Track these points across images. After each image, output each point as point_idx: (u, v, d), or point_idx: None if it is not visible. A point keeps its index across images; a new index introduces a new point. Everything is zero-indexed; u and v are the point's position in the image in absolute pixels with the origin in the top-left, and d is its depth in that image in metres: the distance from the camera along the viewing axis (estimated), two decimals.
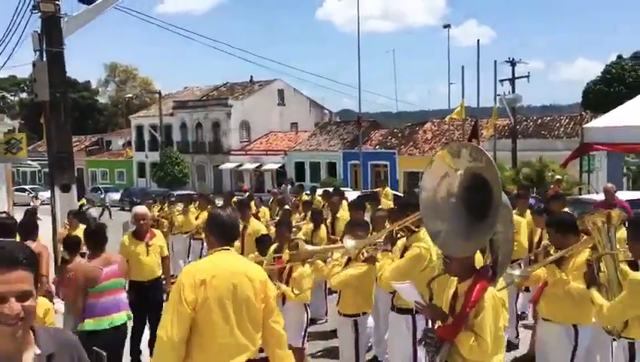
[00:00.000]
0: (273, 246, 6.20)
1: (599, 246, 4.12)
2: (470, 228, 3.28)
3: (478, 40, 33.52)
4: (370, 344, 7.07)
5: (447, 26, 36.30)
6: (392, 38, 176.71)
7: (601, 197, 9.99)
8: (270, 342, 3.49)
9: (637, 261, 3.81)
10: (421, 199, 3.53)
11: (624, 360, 3.85)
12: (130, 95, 67.23)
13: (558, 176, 19.07)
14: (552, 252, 4.66)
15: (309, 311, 5.74)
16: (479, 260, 3.56)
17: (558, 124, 32.76)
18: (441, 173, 3.46)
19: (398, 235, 4.69)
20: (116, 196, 37.92)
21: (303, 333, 5.61)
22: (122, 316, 5.06)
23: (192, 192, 28.64)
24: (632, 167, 28.75)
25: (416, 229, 4.46)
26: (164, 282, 7.06)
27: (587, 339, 4.47)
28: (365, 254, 4.97)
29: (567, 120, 32.93)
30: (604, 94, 44.47)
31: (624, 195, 10.29)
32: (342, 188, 17.01)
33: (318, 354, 7.07)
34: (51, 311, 4.39)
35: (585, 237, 4.46)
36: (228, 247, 3.44)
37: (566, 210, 8.30)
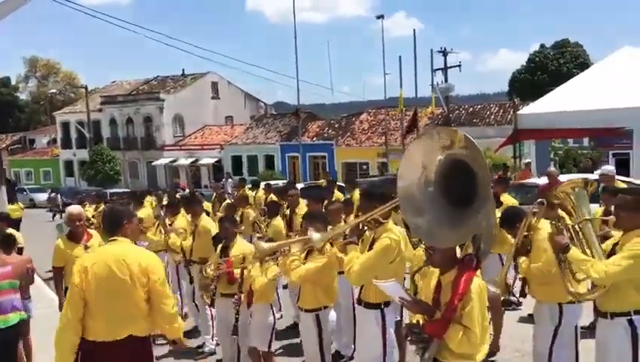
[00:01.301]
0: (220, 246, 5.96)
1: (574, 213, 4.14)
2: (455, 217, 3.16)
3: (414, 29, 34.16)
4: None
5: (380, 17, 36.38)
6: (324, 29, 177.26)
7: (542, 180, 10.28)
8: (158, 321, 3.93)
9: None
10: (399, 189, 3.39)
11: (628, 343, 3.84)
12: (53, 90, 64.09)
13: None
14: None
15: (275, 312, 5.52)
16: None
17: (488, 112, 33.79)
18: (418, 161, 3.33)
19: (365, 227, 4.52)
20: (43, 197, 36.08)
21: (269, 336, 5.37)
22: (16, 316, 5.28)
23: (127, 190, 27.69)
24: (559, 152, 30.03)
25: (384, 221, 4.33)
26: None
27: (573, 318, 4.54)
28: (328, 247, 4.81)
29: (497, 108, 34.02)
30: (529, 83, 46.26)
31: (564, 178, 10.62)
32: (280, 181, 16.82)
33: (279, 351, 6.87)
34: None
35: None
36: (115, 238, 3.94)
37: (507, 194, 8.48)
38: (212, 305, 5.67)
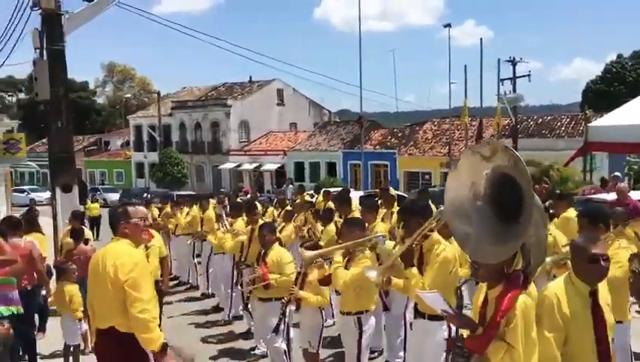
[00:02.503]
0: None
1: None
2: (500, 232, 3.10)
3: (481, 39, 33.80)
4: (381, 348, 6.94)
5: (447, 26, 35.97)
6: (391, 38, 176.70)
7: (611, 196, 9.84)
8: (131, 325, 3.92)
9: None
10: (446, 201, 3.36)
11: None
12: (128, 95, 67.03)
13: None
14: None
15: (324, 315, 5.58)
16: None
17: (559, 124, 32.64)
18: (466, 173, 3.29)
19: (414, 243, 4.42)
20: (115, 197, 37.69)
21: (318, 338, 5.45)
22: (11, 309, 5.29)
23: (192, 193, 28.53)
24: (634, 167, 28.62)
25: (429, 233, 4.26)
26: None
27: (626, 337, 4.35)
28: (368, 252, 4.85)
29: (567, 119, 32.81)
30: (604, 93, 44.41)
31: (635, 195, 10.13)
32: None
33: (328, 359, 6.90)
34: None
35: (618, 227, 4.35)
36: (115, 237, 4.19)
37: (572, 210, 8.16)
38: (279, 322, 5.72)
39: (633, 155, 29.14)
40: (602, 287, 3.28)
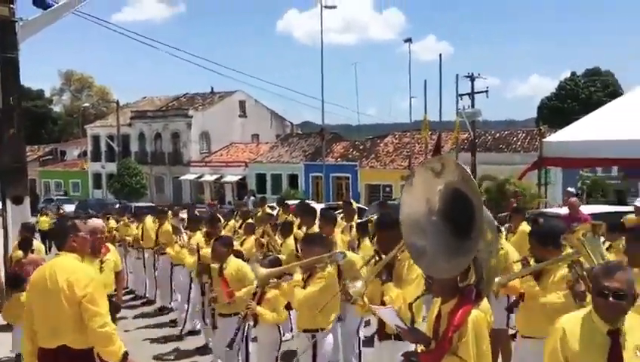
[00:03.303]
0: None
1: (588, 258, 4.06)
2: (453, 247, 3.14)
3: (440, 54, 34.26)
4: None
5: (408, 40, 36.63)
6: (353, 51, 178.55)
7: (564, 211, 10.11)
8: (90, 338, 3.94)
9: None
10: (402, 216, 3.38)
11: None
12: (86, 104, 65.61)
13: (516, 189, 19.40)
14: (531, 263, 4.59)
15: (282, 331, 5.52)
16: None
17: (515, 138, 33.50)
18: (421, 189, 3.32)
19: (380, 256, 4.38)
20: (71, 208, 36.69)
21: (276, 354, 5.38)
22: None
23: (151, 204, 28.06)
24: (587, 181, 29.60)
25: (404, 248, 4.22)
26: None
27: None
28: (329, 269, 4.81)
29: (523, 134, 33.71)
30: (558, 110, 45.80)
31: (585, 210, 10.44)
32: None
33: None
34: None
35: (568, 250, 4.41)
36: (60, 252, 4.10)
37: (525, 223, 8.37)
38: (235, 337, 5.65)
39: (586, 170, 30.18)
40: (631, 329, 2.80)
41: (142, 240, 11.13)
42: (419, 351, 3.32)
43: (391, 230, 4.11)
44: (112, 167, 45.92)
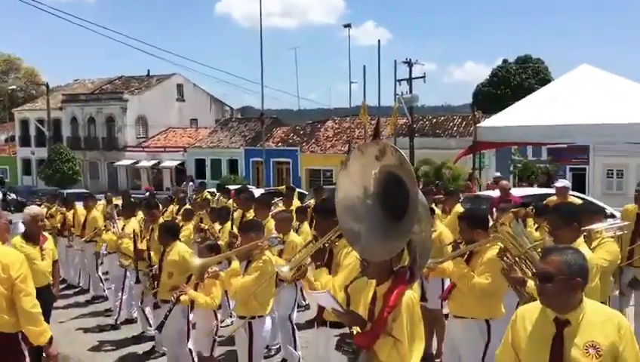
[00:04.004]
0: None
1: (519, 246, 4.19)
2: (388, 230, 3.18)
3: (379, 40, 34.39)
4: (278, 345, 6.96)
5: (347, 26, 36.77)
6: (293, 35, 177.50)
7: (495, 193, 10.47)
8: (20, 320, 4.09)
9: None
10: (337, 202, 3.39)
11: None
12: (13, 87, 62.38)
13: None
14: (462, 246, 4.73)
15: (218, 317, 5.48)
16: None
17: (451, 124, 34.32)
18: (356, 173, 3.35)
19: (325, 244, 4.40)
20: None
21: (212, 340, 5.34)
22: None
23: (85, 191, 27.09)
24: (518, 165, 30.78)
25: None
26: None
27: (500, 333, 4.56)
28: (267, 256, 4.79)
29: (459, 120, 34.58)
30: (492, 96, 47.23)
31: (516, 192, 10.85)
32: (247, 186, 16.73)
33: (221, 357, 6.81)
34: None
35: (493, 234, 4.56)
36: None
37: (459, 206, 8.67)
38: (165, 319, 5.54)
39: (517, 154, 31.36)
40: (588, 324, 2.58)
41: (73, 226, 10.77)
42: (354, 333, 3.36)
43: (329, 216, 4.13)
44: (42, 153, 44.03)
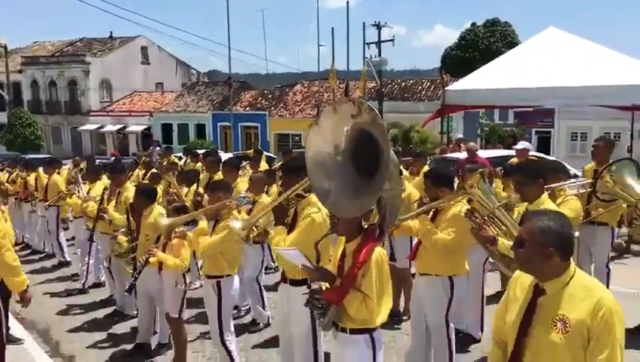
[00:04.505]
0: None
1: (487, 205, 4.25)
2: (359, 187, 3.18)
3: (348, 2, 33.81)
4: (247, 306, 7.00)
5: None
6: None
7: (463, 155, 10.59)
8: (3, 273, 4.63)
9: None
10: (307, 158, 3.36)
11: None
12: None
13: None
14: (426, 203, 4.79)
15: (187, 279, 5.45)
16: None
17: (420, 88, 34.38)
18: (327, 130, 3.31)
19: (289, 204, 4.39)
20: None
21: (180, 302, 5.32)
22: None
23: (49, 156, 26.45)
24: (485, 128, 31.13)
25: (306, 194, 4.24)
26: None
27: (462, 290, 4.68)
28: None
29: (428, 83, 34.64)
30: (460, 60, 47.31)
31: (482, 154, 10.99)
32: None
33: (192, 319, 6.84)
34: None
35: (461, 193, 4.61)
36: None
37: (426, 167, 8.76)
38: (134, 281, 5.49)
39: (484, 118, 31.68)
40: (566, 298, 2.41)
41: (36, 191, 10.53)
42: (323, 289, 3.38)
43: (294, 174, 4.12)
44: (2, 117, 42.63)
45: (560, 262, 2.41)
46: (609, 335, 2.30)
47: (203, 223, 4.79)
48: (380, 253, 3.26)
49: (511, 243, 4.06)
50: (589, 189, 5.17)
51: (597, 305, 2.32)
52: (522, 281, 2.62)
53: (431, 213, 4.71)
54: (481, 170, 4.63)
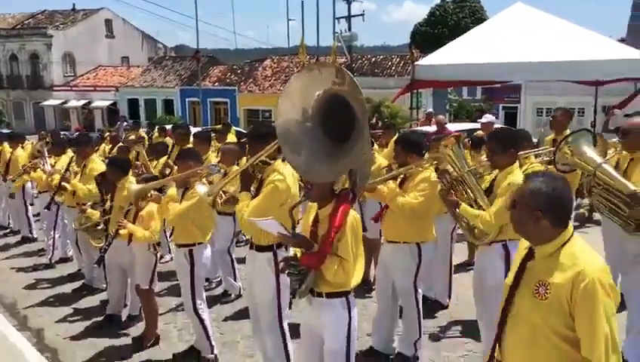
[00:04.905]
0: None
1: (457, 169, 4.33)
2: (331, 153, 3.17)
3: None
4: (219, 278, 7.02)
5: None
6: None
7: (432, 128, 10.70)
8: None
9: None
10: (277, 126, 3.34)
11: (500, 260, 4.12)
12: None
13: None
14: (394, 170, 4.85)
15: (158, 251, 5.42)
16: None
17: (390, 63, 34.38)
18: (297, 96, 3.29)
19: (256, 171, 4.39)
20: None
21: (150, 274, 5.30)
22: None
23: (9, 131, 25.73)
24: (454, 104, 31.47)
25: (271, 161, 4.25)
26: None
27: (429, 255, 4.76)
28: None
29: (398, 59, 34.67)
30: (429, 36, 47.42)
31: (451, 127, 11.13)
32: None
33: (163, 292, 6.82)
34: None
35: (426, 156, 4.69)
36: None
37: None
38: (103, 254, 5.44)
39: (453, 93, 31.96)
40: (554, 264, 2.35)
41: None
42: (298, 255, 3.40)
43: (260, 141, 4.10)
44: None
45: (550, 226, 2.35)
46: (592, 305, 2.21)
47: (172, 190, 4.76)
48: (354, 216, 3.29)
49: (473, 210, 4.16)
50: (548, 158, 5.27)
51: (580, 274, 2.24)
52: (522, 245, 2.58)
53: (399, 180, 4.75)
54: (456, 134, 4.70)
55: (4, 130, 26.52)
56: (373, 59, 35.62)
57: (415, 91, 14.42)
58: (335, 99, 3.14)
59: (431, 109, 21.47)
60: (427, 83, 13.19)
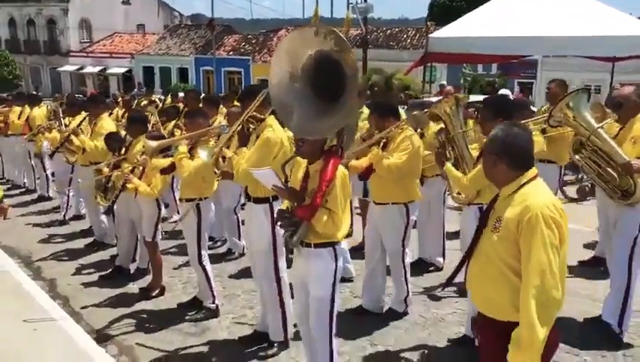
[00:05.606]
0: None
1: (451, 128, 4.50)
2: (322, 110, 3.31)
3: None
4: (224, 238, 7.26)
5: None
6: None
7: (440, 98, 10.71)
8: None
9: None
10: (271, 86, 3.49)
11: (476, 221, 4.27)
12: None
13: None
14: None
15: (161, 205, 5.68)
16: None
17: (405, 36, 34.11)
18: (289, 55, 3.41)
19: (250, 129, 4.59)
20: None
21: (154, 228, 5.56)
22: None
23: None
24: (468, 78, 31.18)
25: (263, 117, 4.43)
26: None
27: (416, 215, 4.96)
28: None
29: (413, 32, 34.38)
30: (447, 8, 46.70)
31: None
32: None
33: (172, 250, 7.10)
34: None
35: (402, 119, 4.86)
36: None
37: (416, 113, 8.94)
38: (112, 205, 5.70)
39: (468, 67, 31.68)
40: (510, 202, 2.58)
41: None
42: (290, 208, 3.59)
43: (251, 97, 4.33)
44: None
45: (507, 169, 2.59)
46: (532, 235, 2.43)
47: (183, 148, 4.97)
48: (342, 170, 3.47)
49: (456, 172, 4.34)
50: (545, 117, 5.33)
51: (525, 208, 2.47)
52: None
53: (381, 144, 4.89)
54: (457, 94, 4.85)
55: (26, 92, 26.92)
56: (389, 31, 35.33)
57: (430, 65, 14.35)
58: (325, 60, 3.27)
59: (444, 82, 21.44)
60: (441, 56, 13.12)
